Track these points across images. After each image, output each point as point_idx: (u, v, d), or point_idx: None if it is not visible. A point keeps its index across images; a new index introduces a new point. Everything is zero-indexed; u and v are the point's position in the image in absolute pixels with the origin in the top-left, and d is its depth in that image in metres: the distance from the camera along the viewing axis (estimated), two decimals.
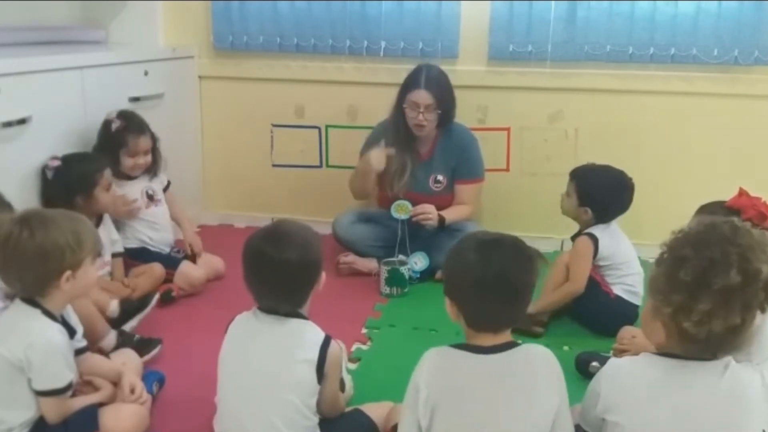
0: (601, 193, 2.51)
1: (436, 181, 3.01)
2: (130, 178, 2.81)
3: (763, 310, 1.33)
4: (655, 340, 1.45)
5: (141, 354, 2.21)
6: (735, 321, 1.29)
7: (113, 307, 2.34)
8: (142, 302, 2.45)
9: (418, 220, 2.89)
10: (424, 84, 2.87)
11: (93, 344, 2.08)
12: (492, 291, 1.43)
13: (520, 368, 1.44)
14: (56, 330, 1.68)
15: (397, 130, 2.96)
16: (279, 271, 1.62)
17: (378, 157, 2.90)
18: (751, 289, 1.29)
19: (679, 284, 1.33)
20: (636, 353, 1.53)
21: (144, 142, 2.77)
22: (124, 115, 2.75)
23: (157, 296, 2.52)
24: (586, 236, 2.51)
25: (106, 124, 2.72)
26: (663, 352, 1.41)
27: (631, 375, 1.42)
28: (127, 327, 2.35)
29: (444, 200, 2.99)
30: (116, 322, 2.32)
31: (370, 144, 3.04)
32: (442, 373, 1.45)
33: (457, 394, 1.43)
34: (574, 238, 2.60)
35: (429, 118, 2.88)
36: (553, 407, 1.41)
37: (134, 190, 2.81)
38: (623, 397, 1.40)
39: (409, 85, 2.91)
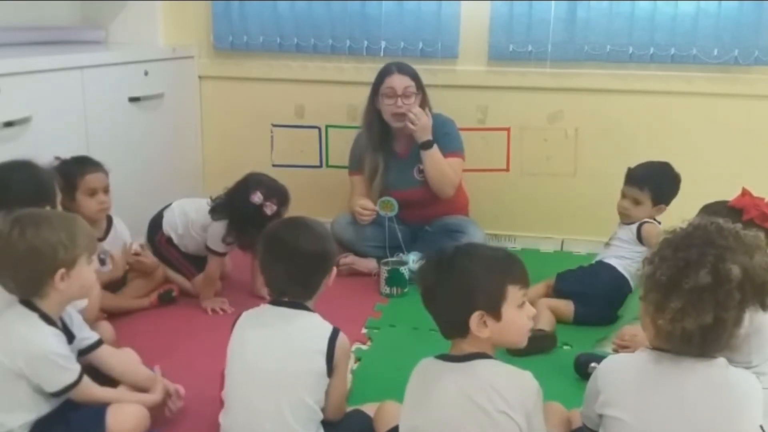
0: (672, 184, 2.56)
1: (420, 171, 2.98)
2: None
3: (742, 310, 1.33)
4: (648, 336, 1.47)
5: None
6: (707, 320, 1.31)
7: None
8: None
9: (410, 120, 2.83)
10: (397, 70, 2.90)
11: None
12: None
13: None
14: (50, 334, 1.67)
15: (370, 130, 2.98)
16: (295, 256, 1.71)
17: (362, 214, 2.94)
18: (723, 289, 1.30)
19: (656, 283, 1.37)
20: (635, 350, 1.54)
21: None
22: (267, 188, 2.58)
23: None
24: (652, 223, 2.54)
25: (258, 208, 2.53)
26: (656, 347, 1.43)
27: (627, 369, 1.44)
28: None
29: (429, 190, 2.97)
30: None
31: (353, 158, 3.08)
32: None
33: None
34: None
35: (409, 104, 2.87)
36: None
37: None
38: (620, 390, 1.42)
39: (381, 75, 2.92)
